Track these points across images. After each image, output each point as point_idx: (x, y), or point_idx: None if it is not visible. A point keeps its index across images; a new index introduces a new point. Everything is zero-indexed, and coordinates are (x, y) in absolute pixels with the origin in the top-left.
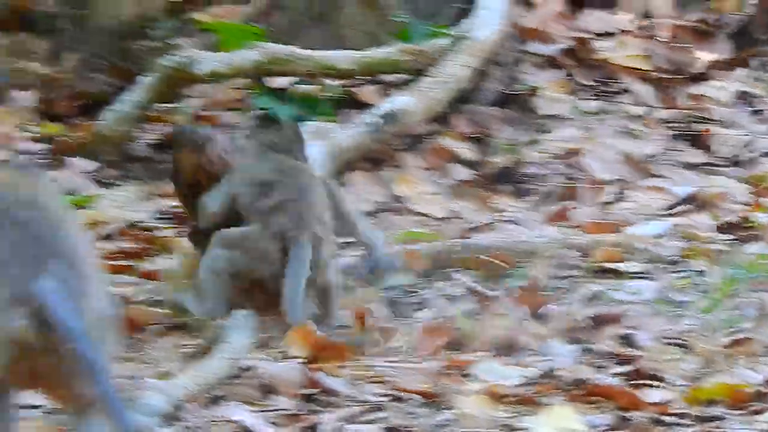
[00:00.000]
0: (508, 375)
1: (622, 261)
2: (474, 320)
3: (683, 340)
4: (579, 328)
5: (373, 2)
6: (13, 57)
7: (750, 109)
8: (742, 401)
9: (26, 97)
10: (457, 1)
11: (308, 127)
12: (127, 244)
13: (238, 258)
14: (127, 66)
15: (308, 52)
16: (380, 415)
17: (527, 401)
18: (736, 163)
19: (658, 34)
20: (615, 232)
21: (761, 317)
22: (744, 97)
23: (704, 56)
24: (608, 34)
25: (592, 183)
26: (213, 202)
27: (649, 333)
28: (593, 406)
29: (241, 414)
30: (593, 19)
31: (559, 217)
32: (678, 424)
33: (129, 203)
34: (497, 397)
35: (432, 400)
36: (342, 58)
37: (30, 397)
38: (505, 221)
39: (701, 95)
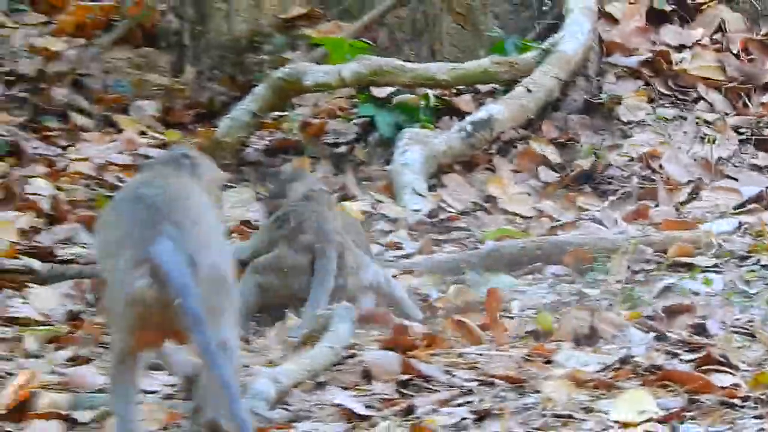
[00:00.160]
0: (587, 362)
1: (694, 256)
2: (558, 311)
3: (749, 329)
4: (654, 317)
5: (467, 19)
6: (138, 70)
7: None
8: None
9: (149, 106)
10: (546, 17)
11: (408, 133)
12: (239, 240)
13: (272, 280)
14: (242, 78)
15: (408, 64)
16: (470, 398)
17: (605, 386)
18: None
19: (730, 47)
20: (688, 229)
21: None
22: None
23: None
24: (684, 47)
25: (668, 184)
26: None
27: (718, 322)
28: (666, 390)
29: (343, 398)
30: (671, 34)
31: (638, 216)
32: (743, 407)
33: (242, 203)
34: (578, 382)
35: (518, 384)
36: (439, 69)
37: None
38: (588, 219)
39: None
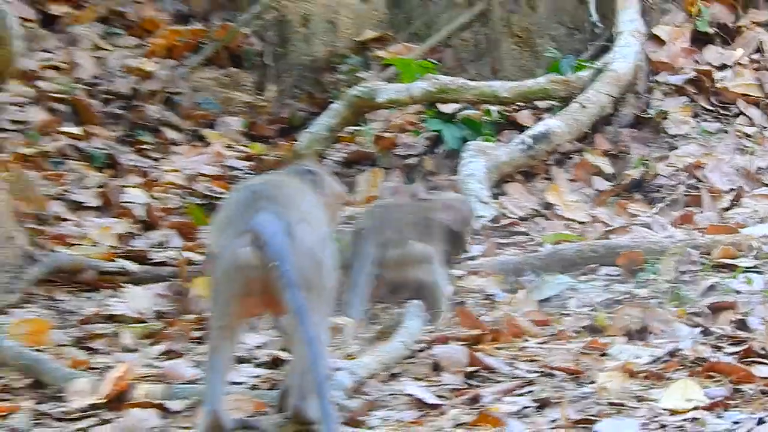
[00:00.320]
0: (639, 354)
1: (736, 257)
2: (611, 308)
3: None
4: (699, 314)
5: (526, 41)
6: (224, 88)
7: None
8: None
9: (234, 122)
10: (598, 39)
11: (472, 146)
12: None
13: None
14: (320, 95)
15: (472, 82)
16: (532, 388)
17: (655, 376)
18: None
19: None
20: (731, 233)
21: None
22: None
23: None
24: (725, 66)
25: (711, 192)
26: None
27: (758, 318)
28: (711, 380)
29: (415, 389)
30: (713, 54)
31: (684, 221)
32: None
33: None
34: (630, 373)
35: (575, 375)
36: (501, 87)
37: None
38: (638, 225)
39: None
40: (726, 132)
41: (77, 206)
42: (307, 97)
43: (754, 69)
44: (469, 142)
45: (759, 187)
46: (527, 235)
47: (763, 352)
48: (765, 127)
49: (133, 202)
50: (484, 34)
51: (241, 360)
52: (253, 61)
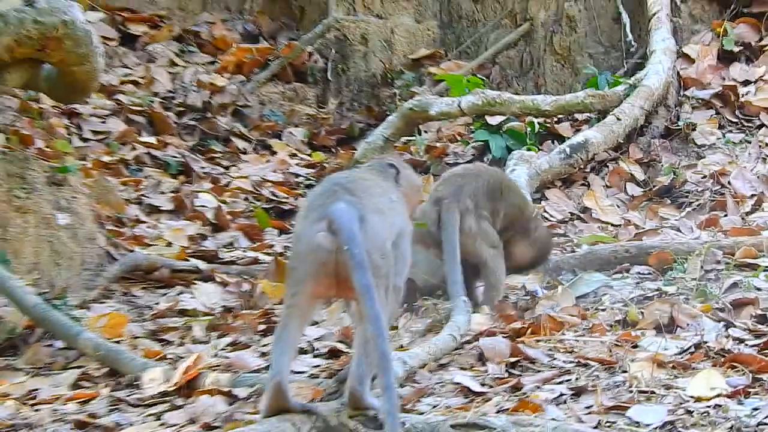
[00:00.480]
0: (667, 346)
1: (757, 257)
2: (642, 304)
3: None
4: (723, 309)
5: (566, 58)
6: (289, 101)
7: None
8: None
9: (298, 132)
10: (632, 56)
11: (516, 155)
12: None
13: None
14: (377, 108)
15: (517, 96)
16: (569, 377)
17: (682, 367)
18: None
19: None
20: (753, 235)
21: None
22: None
23: None
24: (749, 82)
25: (735, 197)
26: None
27: None
28: (733, 370)
29: (461, 377)
30: (738, 71)
31: (710, 224)
32: None
33: None
34: (659, 364)
35: (609, 365)
36: (543, 101)
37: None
38: (668, 227)
39: None
40: (749, 142)
41: (153, 210)
42: (365, 110)
43: None
44: (513, 152)
45: None
46: (566, 236)
47: None
48: None
49: (204, 206)
50: (528, 52)
51: (302, 351)
52: (315, 76)
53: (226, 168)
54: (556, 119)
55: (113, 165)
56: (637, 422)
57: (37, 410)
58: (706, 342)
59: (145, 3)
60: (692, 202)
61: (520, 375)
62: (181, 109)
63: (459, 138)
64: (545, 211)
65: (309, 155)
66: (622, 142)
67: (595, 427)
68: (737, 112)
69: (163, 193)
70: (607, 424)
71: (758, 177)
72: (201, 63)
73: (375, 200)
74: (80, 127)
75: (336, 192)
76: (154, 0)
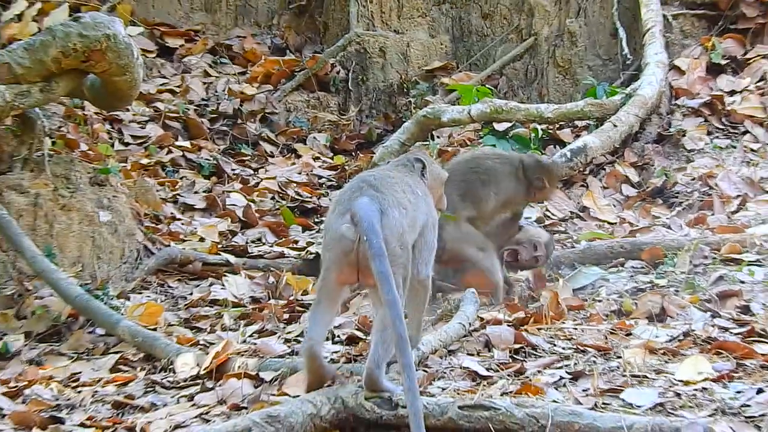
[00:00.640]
0: (658, 334)
1: (741, 253)
2: (636, 296)
3: None
4: (710, 300)
5: (567, 70)
6: (313, 109)
7: None
8: None
9: (321, 137)
10: (628, 68)
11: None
12: None
13: None
14: (393, 115)
15: (522, 105)
16: (567, 362)
17: (672, 353)
18: None
19: None
20: (737, 233)
21: None
22: None
23: None
24: (735, 92)
25: (721, 198)
26: None
27: (760, 304)
28: (719, 356)
29: (469, 362)
30: (725, 82)
31: (698, 222)
32: None
33: None
34: (651, 350)
35: (604, 352)
36: (546, 109)
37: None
38: (659, 225)
39: None
40: (735, 147)
41: (187, 208)
42: (383, 117)
43: (759, 94)
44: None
45: (761, 194)
46: (566, 233)
47: (763, 332)
48: (767, 144)
49: (234, 205)
50: (532, 65)
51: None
52: (337, 86)
53: (255, 170)
54: (557, 126)
55: (151, 167)
56: (630, 404)
57: (78, 392)
58: (693, 330)
59: (182, 18)
60: (682, 202)
61: (524, 360)
62: (214, 115)
63: (469, 143)
64: (547, 210)
65: (331, 158)
66: (618, 146)
67: (592, 408)
68: (724, 120)
69: (196, 192)
70: (603, 405)
71: (743, 179)
72: (232, 74)
73: (398, 195)
74: (121, 132)
75: (362, 188)
76: (189, 16)
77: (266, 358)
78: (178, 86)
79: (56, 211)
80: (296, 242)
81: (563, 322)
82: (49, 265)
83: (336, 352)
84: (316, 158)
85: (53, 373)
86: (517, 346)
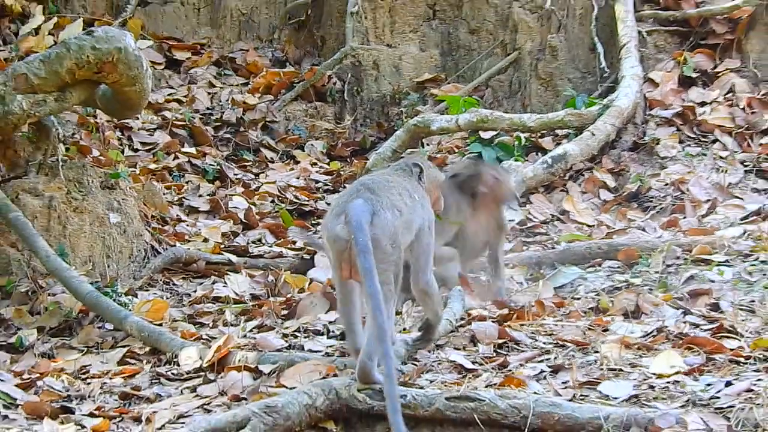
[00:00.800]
0: (633, 330)
1: (711, 254)
2: (612, 294)
3: (751, 306)
4: (681, 298)
5: (549, 82)
6: (311, 118)
7: None
8: None
9: (318, 144)
10: (606, 81)
11: (505, 164)
12: None
13: None
14: (386, 124)
15: (506, 114)
16: (548, 357)
17: (646, 348)
18: None
19: (738, 103)
20: (707, 235)
21: None
22: None
23: None
24: (705, 103)
25: (692, 202)
26: None
27: (728, 302)
28: (690, 351)
29: (456, 356)
30: (696, 93)
31: (670, 225)
32: (746, 363)
33: None
34: (626, 345)
35: (583, 346)
36: (528, 118)
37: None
38: (635, 228)
39: (767, 143)
40: (705, 155)
41: (192, 210)
42: (376, 125)
43: (727, 105)
44: (503, 162)
45: (730, 199)
46: (547, 235)
47: (732, 329)
48: (735, 152)
49: (237, 207)
50: (516, 77)
51: (317, 332)
52: (334, 96)
53: (256, 175)
54: (539, 134)
55: (158, 172)
56: (607, 396)
57: (88, 383)
58: (666, 327)
59: (189, 33)
60: (656, 206)
61: (507, 354)
62: (218, 124)
63: (456, 150)
64: (530, 213)
65: (327, 164)
66: (596, 154)
67: (571, 400)
68: (695, 129)
69: (201, 196)
70: (581, 397)
71: (713, 185)
72: (236, 84)
73: (393, 198)
74: (131, 139)
75: (359, 191)
76: (196, 30)
77: (265, 352)
78: (184, 96)
79: (69, 213)
80: (294, 243)
81: (544, 319)
82: (62, 264)
83: (330, 346)
84: (313, 164)
85: (64, 366)
86: (500, 341)
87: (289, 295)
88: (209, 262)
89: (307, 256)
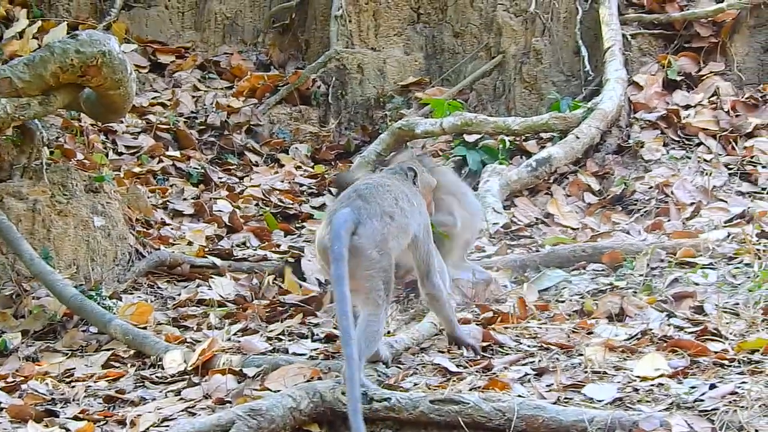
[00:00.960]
0: (618, 333)
1: (695, 257)
2: (597, 296)
3: (735, 309)
4: (666, 301)
5: (533, 85)
6: (295, 121)
7: None
8: None
9: (303, 148)
10: (590, 84)
11: (489, 168)
12: None
13: None
14: (370, 127)
15: (490, 118)
16: (532, 360)
17: (630, 351)
18: None
19: (723, 106)
20: (691, 238)
21: None
22: None
23: (754, 120)
24: (690, 107)
25: (677, 205)
26: None
27: (712, 305)
28: (674, 354)
29: (440, 359)
30: (680, 97)
31: (655, 228)
32: (730, 366)
33: None
34: (610, 348)
35: (567, 349)
36: (513, 122)
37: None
38: (619, 230)
39: (751, 147)
40: (689, 158)
41: (176, 214)
42: (360, 129)
43: (711, 108)
44: (487, 165)
45: (714, 201)
46: (531, 238)
47: (716, 331)
48: (720, 155)
49: (221, 211)
50: (500, 80)
51: (302, 336)
52: (318, 100)
53: (240, 178)
54: (524, 137)
55: (143, 175)
56: (591, 398)
57: (72, 387)
58: (650, 329)
59: (173, 36)
60: (640, 209)
61: (491, 357)
62: (202, 127)
63: (441, 153)
64: (514, 216)
65: (312, 168)
66: (580, 157)
67: (555, 403)
68: (679, 132)
69: (185, 199)
70: (566, 400)
71: (697, 188)
72: (220, 88)
73: (384, 205)
74: (115, 143)
75: (350, 198)
76: (180, 34)
77: (249, 355)
78: (168, 100)
79: (53, 216)
80: (278, 246)
81: (528, 322)
82: (46, 268)
83: (315, 349)
84: (297, 167)
85: (49, 369)
86: (485, 343)
87: (273, 298)
88: (194, 266)
89: (291, 260)
